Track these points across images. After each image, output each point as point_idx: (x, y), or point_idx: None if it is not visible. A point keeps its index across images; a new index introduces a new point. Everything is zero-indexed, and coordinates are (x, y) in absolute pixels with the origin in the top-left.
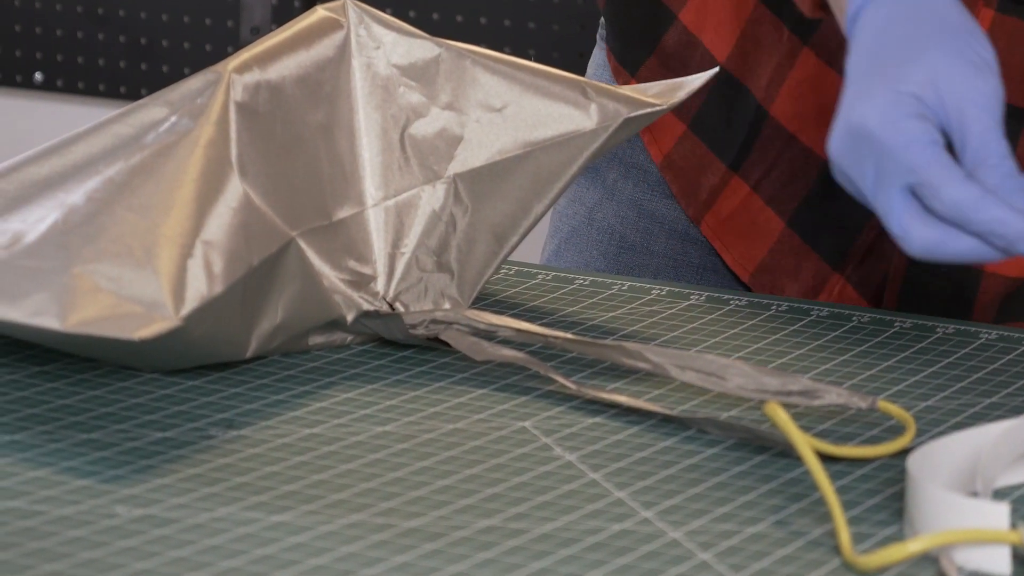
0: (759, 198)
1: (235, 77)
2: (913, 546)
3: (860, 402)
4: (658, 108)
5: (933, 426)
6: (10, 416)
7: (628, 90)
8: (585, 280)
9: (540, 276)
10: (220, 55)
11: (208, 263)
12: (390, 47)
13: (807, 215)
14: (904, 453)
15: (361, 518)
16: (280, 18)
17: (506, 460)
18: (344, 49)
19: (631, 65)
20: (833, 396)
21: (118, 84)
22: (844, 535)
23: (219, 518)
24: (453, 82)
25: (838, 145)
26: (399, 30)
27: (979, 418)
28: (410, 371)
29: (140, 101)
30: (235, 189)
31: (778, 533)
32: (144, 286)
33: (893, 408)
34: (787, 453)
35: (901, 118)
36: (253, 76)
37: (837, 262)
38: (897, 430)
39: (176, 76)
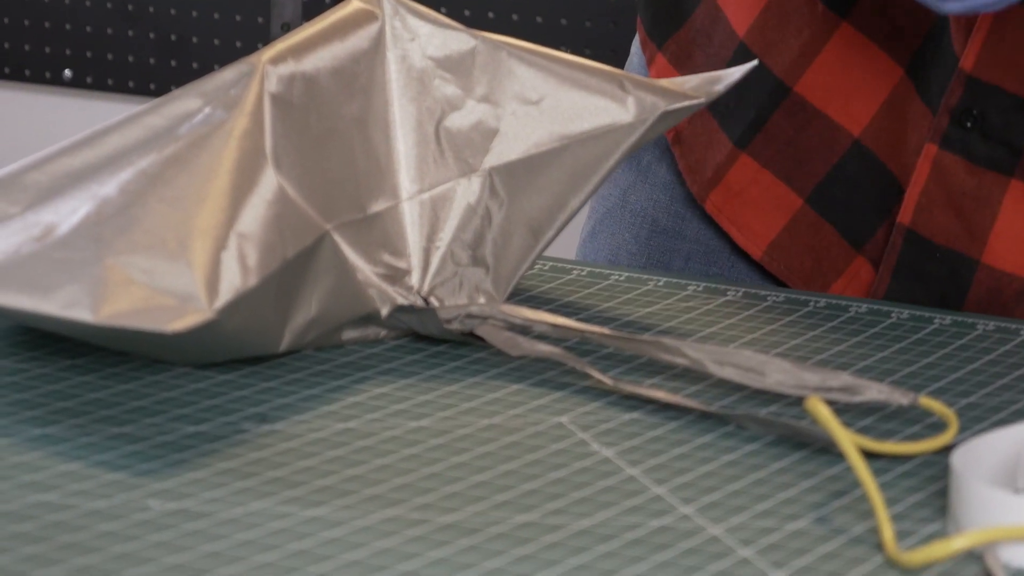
0: (770, 174)
1: (269, 68)
2: (958, 543)
3: (901, 398)
4: (696, 101)
5: (975, 423)
6: (42, 410)
7: (666, 83)
8: (620, 276)
9: (575, 271)
10: (250, 51)
11: (242, 255)
12: (425, 39)
13: (830, 192)
14: (946, 450)
15: (397, 513)
16: (310, 14)
17: (543, 455)
18: (379, 41)
19: (659, 38)
20: (874, 392)
21: (148, 81)
22: (887, 532)
23: (253, 512)
24: (489, 74)
25: None
26: (434, 22)
27: (1021, 415)
28: (444, 366)
29: (173, 92)
30: (270, 181)
31: (819, 530)
32: (177, 278)
33: (935, 404)
34: (827, 450)
35: None
36: (288, 67)
37: (860, 243)
38: (937, 427)
39: (206, 72)
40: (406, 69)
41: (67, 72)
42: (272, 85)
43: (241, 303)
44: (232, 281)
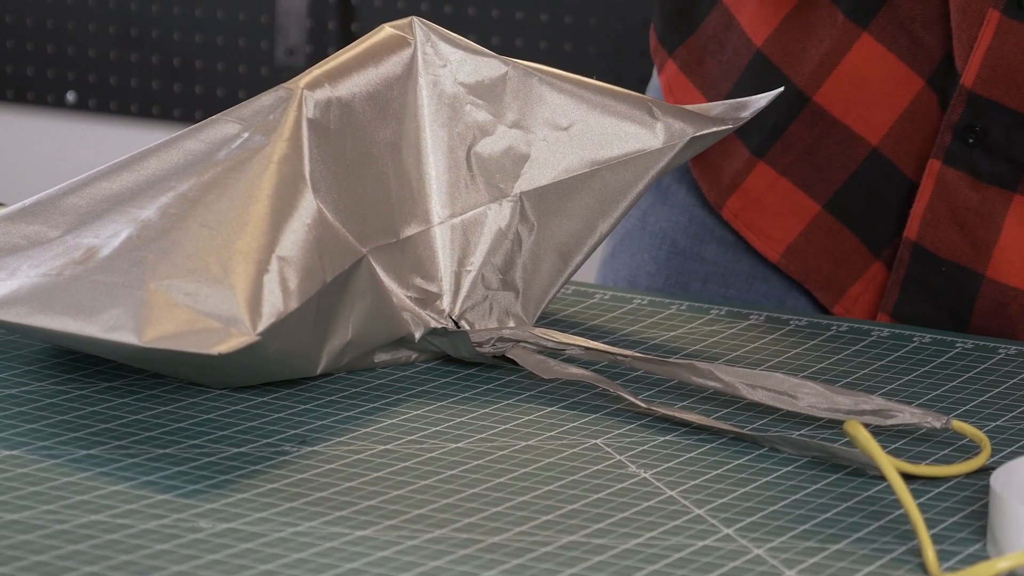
0: (788, 182)
1: (307, 94)
2: (1002, 564)
3: (934, 422)
4: (724, 127)
5: (1004, 447)
6: (84, 431)
7: (693, 108)
8: (643, 300)
9: (598, 295)
10: (254, 77)
11: (284, 279)
12: (456, 65)
13: (849, 199)
14: (980, 472)
15: (444, 533)
16: (315, 39)
17: (581, 477)
18: (411, 67)
19: (670, 44)
20: (907, 416)
21: (151, 105)
22: (930, 553)
23: (302, 532)
24: (519, 100)
25: None
26: (465, 48)
27: None
28: (477, 388)
29: (211, 117)
30: (309, 205)
31: (861, 551)
32: (220, 301)
33: (967, 428)
34: (861, 472)
35: None
36: (324, 93)
37: (879, 249)
38: (967, 449)
39: (209, 97)
40: (437, 95)
41: (70, 96)
42: (310, 110)
43: (282, 326)
44: (275, 304)
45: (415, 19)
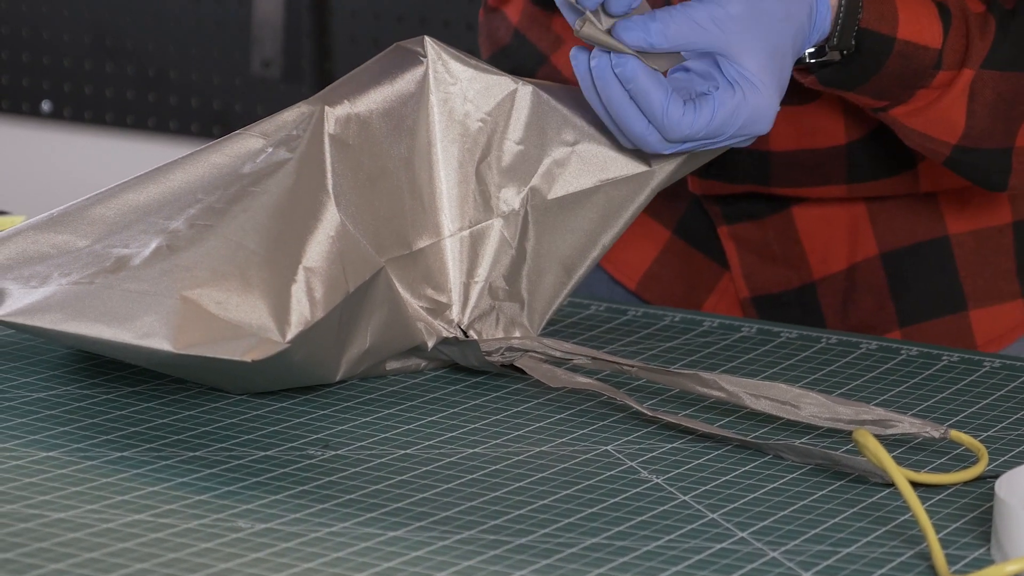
0: (641, 212)
1: (328, 110)
2: (1010, 567)
3: (933, 432)
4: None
5: (999, 455)
6: (115, 434)
7: None
8: (638, 311)
9: (593, 307)
10: (228, 87)
11: (310, 288)
12: (467, 83)
13: (693, 223)
14: (979, 480)
15: (472, 535)
16: (290, 51)
17: (597, 482)
18: (423, 84)
19: None
20: (906, 425)
21: (125, 115)
22: (940, 557)
23: (338, 532)
24: (527, 118)
25: None
26: (475, 67)
27: None
28: (486, 396)
29: (235, 132)
30: (332, 217)
31: (872, 554)
32: (250, 310)
33: (965, 437)
34: (864, 479)
35: None
36: (344, 109)
37: (727, 262)
38: (962, 458)
39: (184, 108)
40: (448, 111)
41: (45, 105)
42: (331, 126)
43: (309, 334)
44: (302, 313)
45: (427, 38)
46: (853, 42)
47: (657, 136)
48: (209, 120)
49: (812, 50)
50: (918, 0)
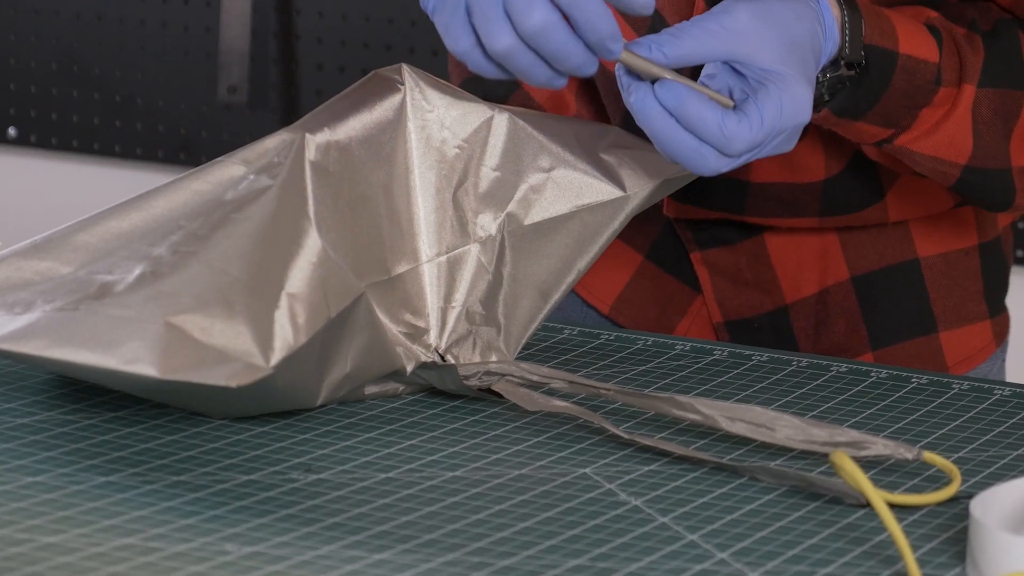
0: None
1: (309, 137)
2: None
3: (906, 453)
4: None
5: (970, 476)
6: (99, 459)
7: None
8: (610, 335)
9: (567, 331)
10: (195, 114)
11: (293, 314)
12: (443, 110)
13: (665, 247)
14: (952, 501)
15: (456, 557)
16: (256, 77)
17: (577, 504)
18: (401, 111)
19: None
20: (880, 447)
21: (92, 140)
22: None
23: (324, 556)
24: (503, 144)
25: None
26: (452, 94)
27: (1010, 469)
28: (464, 420)
29: (216, 160)
30: (314, 244)
31: (849, 574)
32: (234, 336)
33: (937, 459)
34: (839, 500)
35: None
36: (324, 136)
37: (699, 286)
38: (935, 479)
39: (150, 134)
40: (425, 138)
41: (11, 131)
42: (312, 153)
43: (292, 359)
44: (285, 339)
45: (404, 66)
46: (862, 53)
47: (715, 153)
48: (175, 146)
49: (826, 63)
50: (906, 15)
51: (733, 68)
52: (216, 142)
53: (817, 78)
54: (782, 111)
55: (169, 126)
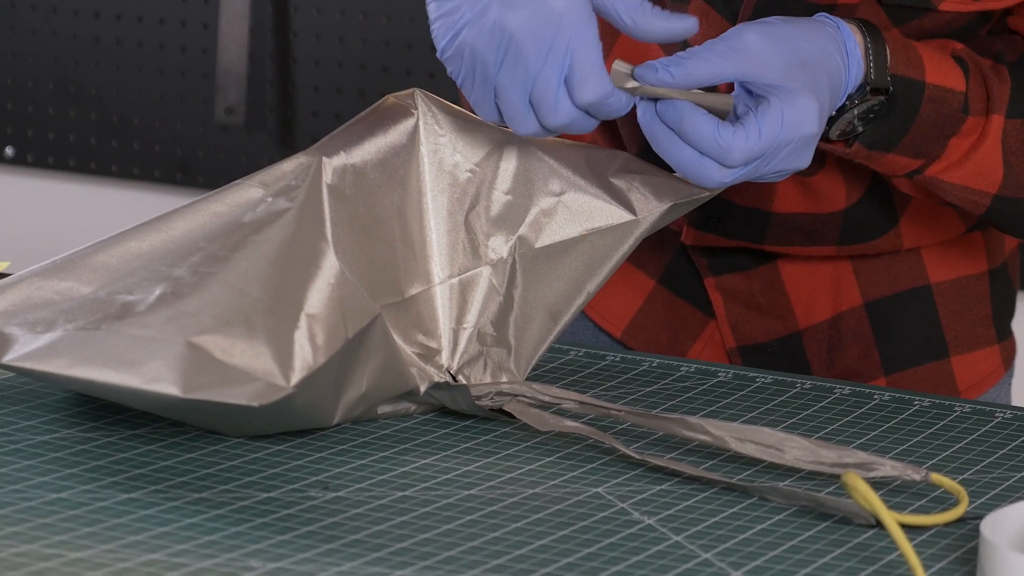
0: (626, 262)
1: (325, 161)
2: None
3: (914, 475)
4: (703, 195)
5: (976, 497)
6: (121, 476)
7: (667, 172)
8: (616, 356)
9: (572, 352)
10: (192, 134)
11: (312, 335)
12: (455, 134)
13: (677, 271)
14: (958, 522)
15: (476, 573)
16: (253, 99)
17: (591, 523)
18: (414, 136)
19: None
20: (888, 469)
21: (89, 160)
22: None
23: (347, 572)
24: (514, 168)
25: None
26: (465, 119)
27: (1015, 490)
28: (476, 439)
29: (235, 182)
30: (332, 265)
31: None
32: (255, 356)
33: (945, 480)
34: (848, 520)
35: None
36: (340, 160)
37: (712, 311)
38: (941, 500)
39: (148, 154)
40: (438, 162)
41: (8, 150)
42: (328, 176)
43: (311, 379)
44: (305, 359)
45: (417, 91)
46: (888, 79)
47: (715, 165)
48: (172, 167)
49: (853, 89)
50: (932, 46)
51: (745, 87)
52: (213, 163)
53: (846, 104)
54: (783, 123)
55: (166, 147)
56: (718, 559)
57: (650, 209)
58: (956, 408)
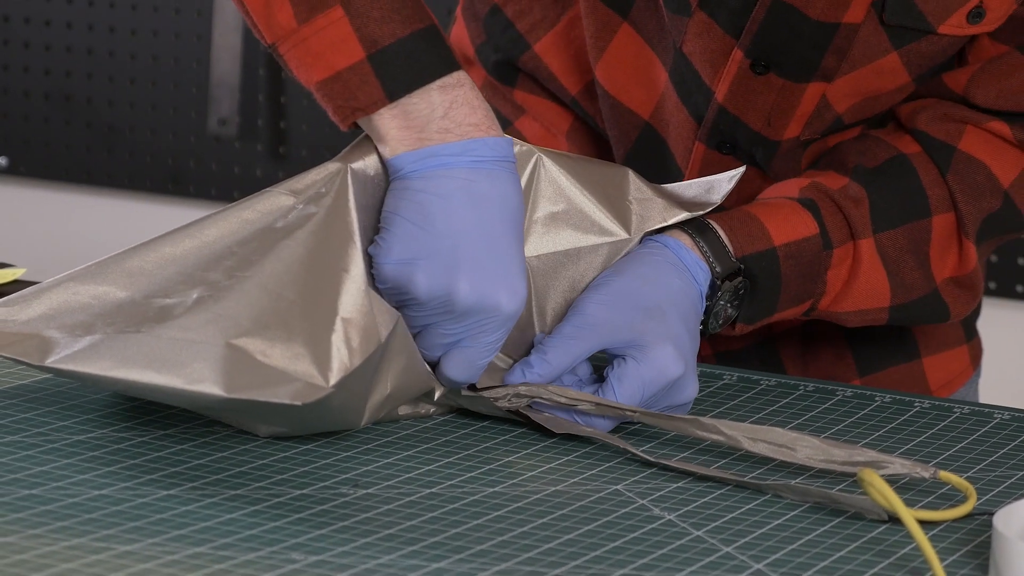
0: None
1: (351, 168)
2: None
3: (923, 472)
4: (697, 213)
5: (982, 494)
6: (158, 474)
7: (670, 189)
8: None
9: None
10: (185, 145)
11: (348, 337)
12: None
13: (634, 169)
14: (967, 517)
15: (510, 566)
16: (246, 110)
17: (614, 519)
18: None
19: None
20: (897, 467)
21: (83, 170)
22: None
23: (386, 564)
24: (524, 179)
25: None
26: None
27: (1019, 487)
28: (495, 439)
29: (264, 190)
30: (361, 270)
31: None
32: (293, 358)
33: (953, 477)
34: (861, 515)
35: None
36: (362, 166)
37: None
38: (947, 497)
39: (140, 164)
40: None
41: (2, 160)
42: (353, 183)
43: (347, 380)
44: (342, 361)
45: None
46: (736, 262)
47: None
48: (165, 177)
49: (709, 289)
50: (778, 204)
51: (606, 352)
52: (206, 173)
53: (708, 305)
54: (643, 381)
55: (159, 157)
56: (739, 552)
57: (643, 229)
58: (955, 410)
